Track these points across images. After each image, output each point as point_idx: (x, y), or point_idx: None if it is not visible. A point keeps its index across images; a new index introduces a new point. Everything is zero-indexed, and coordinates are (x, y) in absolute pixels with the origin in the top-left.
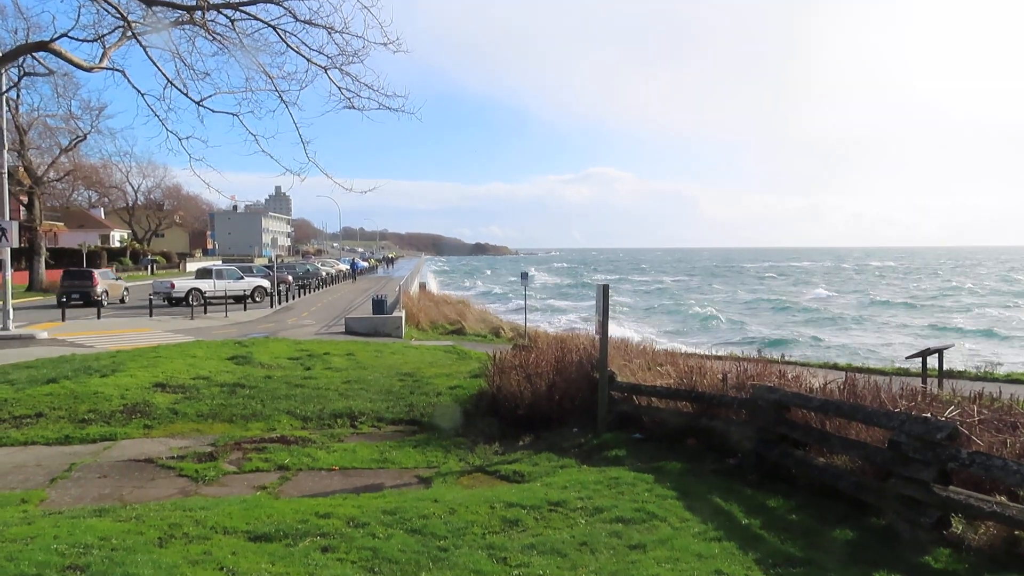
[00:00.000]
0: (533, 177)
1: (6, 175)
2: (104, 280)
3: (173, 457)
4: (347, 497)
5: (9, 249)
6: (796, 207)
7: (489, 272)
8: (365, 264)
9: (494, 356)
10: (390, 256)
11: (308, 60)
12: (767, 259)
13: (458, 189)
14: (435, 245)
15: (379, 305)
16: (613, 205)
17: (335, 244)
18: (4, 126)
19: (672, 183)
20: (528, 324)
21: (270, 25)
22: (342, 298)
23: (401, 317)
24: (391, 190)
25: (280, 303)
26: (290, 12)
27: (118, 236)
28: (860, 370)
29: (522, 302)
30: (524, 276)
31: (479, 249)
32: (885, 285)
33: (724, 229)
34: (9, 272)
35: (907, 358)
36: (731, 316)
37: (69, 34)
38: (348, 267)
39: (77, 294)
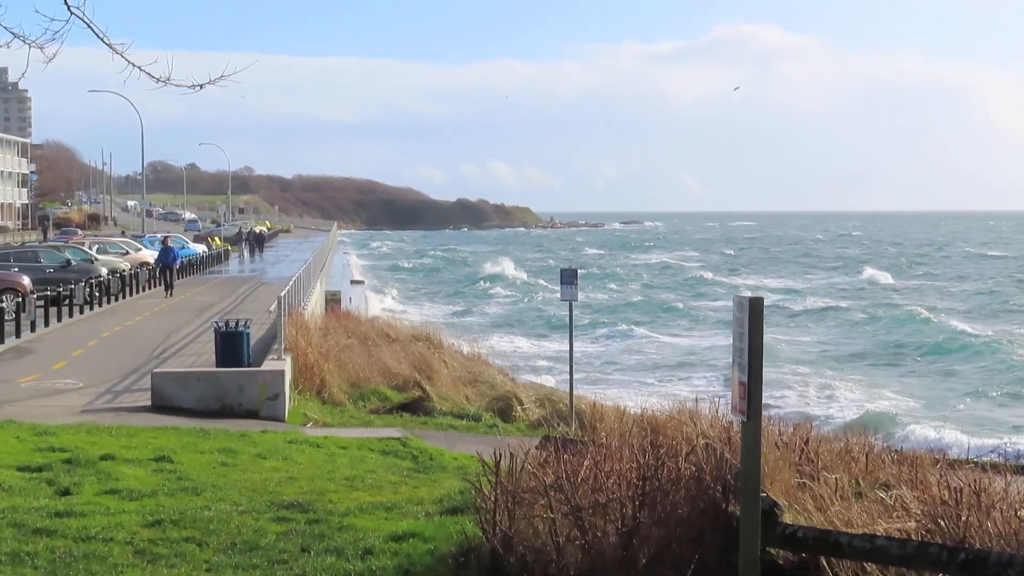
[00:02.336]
0: (588, 49)
1: None
2: None
3: None
4: None
5: None
6: None
7: (493, 267)
8: (200, 249)
9: (496, 463)
10: (260, 229)
11: None
12: None
13: (428, 77)
14: (379, 207)
15: (230, 345)
16: (783, 108)
17: (132, 202)
18: None
19: (935, 59)
20: (578, 390)
21: None
22: (146, 328)
23: (283, 371)
24: (278, 82)
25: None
26: None
27: None
28: None
29: (563, 339)
30: (569, 280)
31: (473, 214)
32: None
33: None
34: None
35: None
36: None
37: None
38: (159, 256)
39: None
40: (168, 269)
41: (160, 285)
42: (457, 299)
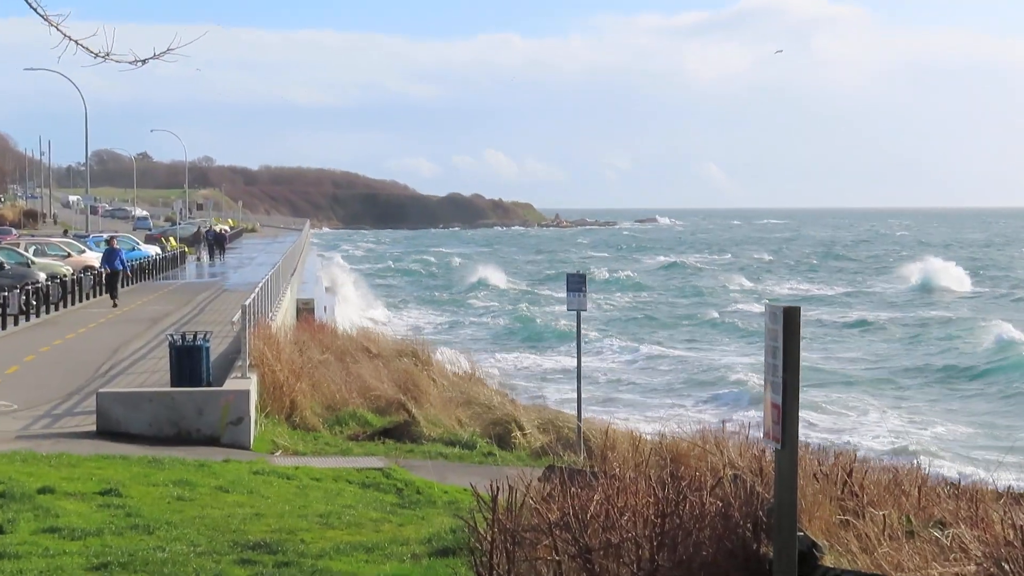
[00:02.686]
0: (598, 22)
1: None
2: None
3: None
4: None
5: None
6: None
7: (487, 273)
8: (153, 251)
9: (493, 497)
10: (221, 228)
11: None
12: None
13: (415, 54)
14: (358, 202)
15: (188, 361)
16: (819, 90)
17: (74, 197)
18: None
19: (990, 36)
20: (587, 412)
21: None
22: (91, 342)
23: (248, 391)
24: (242, 58)
25: None
26: None
27: None
28: None
29: (561, 354)
30: (577, 287)
31: (467, 211)
32: None
33: None
34: None
35: None
36: None
37: None
38: (103, 259)
39: None
40: (113, 274)
41: (109, 294)
42: (444, 308)
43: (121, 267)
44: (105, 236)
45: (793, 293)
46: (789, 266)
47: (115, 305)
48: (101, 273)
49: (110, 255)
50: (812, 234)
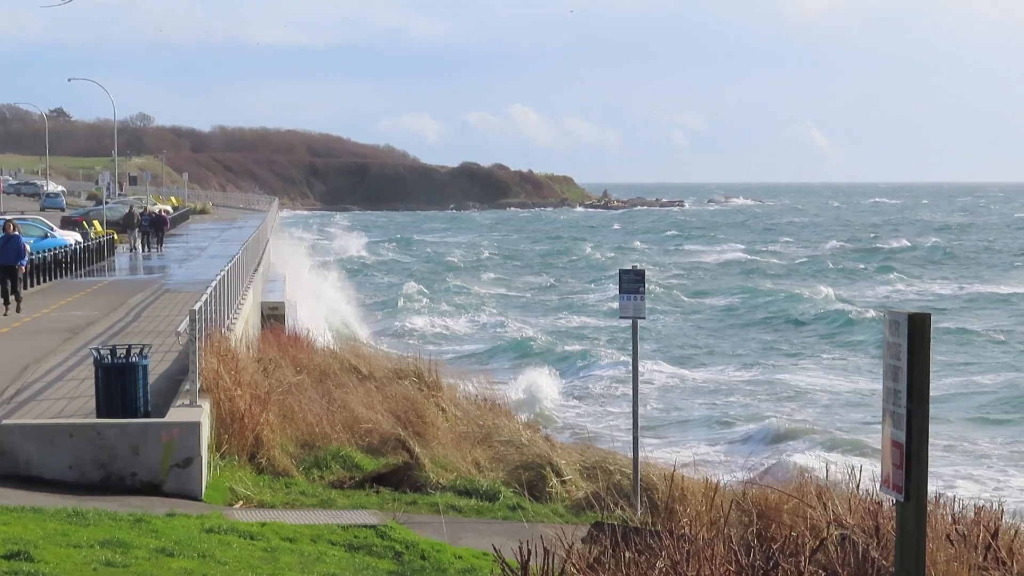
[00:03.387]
0: None
1: None
2: None
3: None
4: None
5: None
6: None
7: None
8: (72, 239)
9: (522, 564)
10: (161, 208)
11: None
12: None
13: None
14: (343, 175)
15: (118, 384)
16: (956, 25)
17: None
18: None
19: None
20: (646, 451)
21: None
22: None
23: (198, 423)
24: None
25: None
26: None
27: None
28: None
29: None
30: (632, 288)
31: (486, 187)
32: None
33: None
34: None
35: None
36: None
37: None
38: None
39: None
40: (9, 271)
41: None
42: (467, 309)
43: (19, 261)
44: (1, 220)
45: (902, 298)
46: (919, 261)
47: (14, 310)
48: None
49: (6, 245)
50: (940, 219)
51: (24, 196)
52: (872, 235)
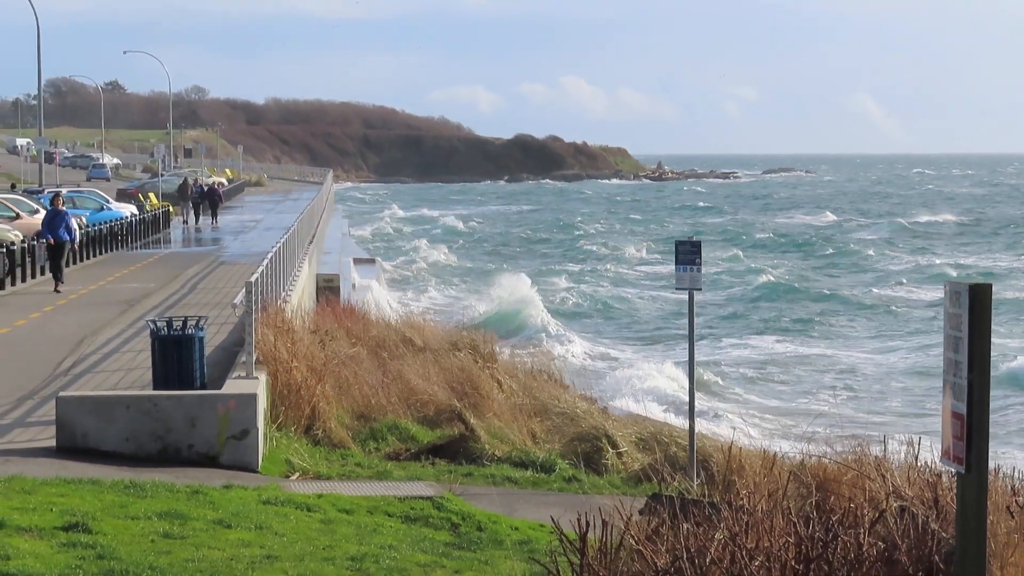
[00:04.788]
0: None
1: None
2: None
3: None
4: None
5: None
6: None
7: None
8: (128, 212)
9: (580, 535)
10: (216, 180)
11: None
12: None
13: None
14: (398, 147)
15: (175, 356)
16: None
17: (23, 140)
18: None
19: None
20: (701, 424)
21: None
22: (48, 330)
23: (254, 395)
24: None
25: None
26: None
27: None
28: None
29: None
30: (689, 259)
31: (539, 159)
32: None
33: None
34: None
35: None
36: None
37: None
38: (43, 225)
39: None
40: (58, 248)
41: (50, 274)
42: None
43: (68, 237)
44: (52, 191)
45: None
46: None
47: (57, 289)
48: (41, 244)
49: (53, 220)
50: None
51: (80, 169)
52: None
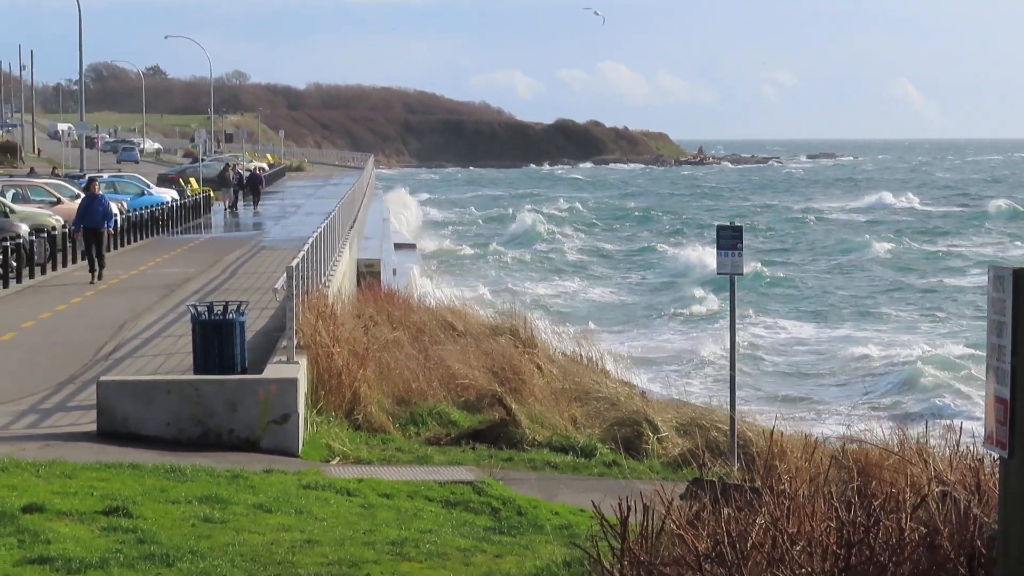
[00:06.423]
0: None
1: None
2: None
3: None
4: None
5: None
6: None
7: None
8: (168, 197)
9: (621, 520)
10: (257, 166)
11: None
12: None
13: None
14: (438, 132)
15: (215, 340)
16: None
17: (64, 125)
18: None
19: None
20: (743, 406)
21: None
22: (89, 315)
23: (295, 380)
24: None
25: None
26: None
27: None
28: None
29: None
30: (730, 244)
31: (580, 144)
32: None
33: None
34: None
35: None
36: None
37: None
38: (78, 212)
39: None
40: (95, 235)
41: (89, 262)
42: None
43: (105, 223)
44: (88, 177)
45: None
46: None
47: (93, 280)
48: (74, 231)
49: (89, 206)
50: None
51: (122, 153)
52: None
